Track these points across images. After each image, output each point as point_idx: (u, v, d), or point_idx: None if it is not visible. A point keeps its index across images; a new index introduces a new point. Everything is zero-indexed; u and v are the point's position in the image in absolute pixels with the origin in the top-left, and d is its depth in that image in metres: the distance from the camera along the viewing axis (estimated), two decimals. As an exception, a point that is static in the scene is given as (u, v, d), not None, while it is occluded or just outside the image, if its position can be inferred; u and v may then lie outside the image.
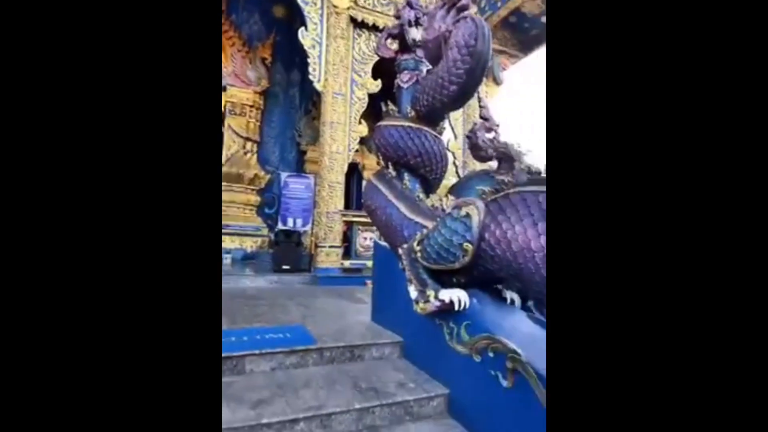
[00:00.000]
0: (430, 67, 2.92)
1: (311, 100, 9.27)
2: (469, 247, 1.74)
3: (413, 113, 2.72)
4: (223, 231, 7.79)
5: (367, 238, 5.46)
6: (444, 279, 2.03)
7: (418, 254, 2.07)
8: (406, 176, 2.70)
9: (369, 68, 5.64)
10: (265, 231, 8.25)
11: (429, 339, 2.11)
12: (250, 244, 7.96)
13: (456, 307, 1.81)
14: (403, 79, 2.89)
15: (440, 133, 2.81)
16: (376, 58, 5.70)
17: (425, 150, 2.66)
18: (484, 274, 1.83)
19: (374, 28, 5.63)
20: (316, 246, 5.14)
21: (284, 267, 4.83)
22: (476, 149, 3.25)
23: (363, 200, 2.92)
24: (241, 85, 8.21)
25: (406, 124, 2.69)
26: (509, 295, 2.04)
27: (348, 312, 3.29)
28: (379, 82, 5.66)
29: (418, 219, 2.31)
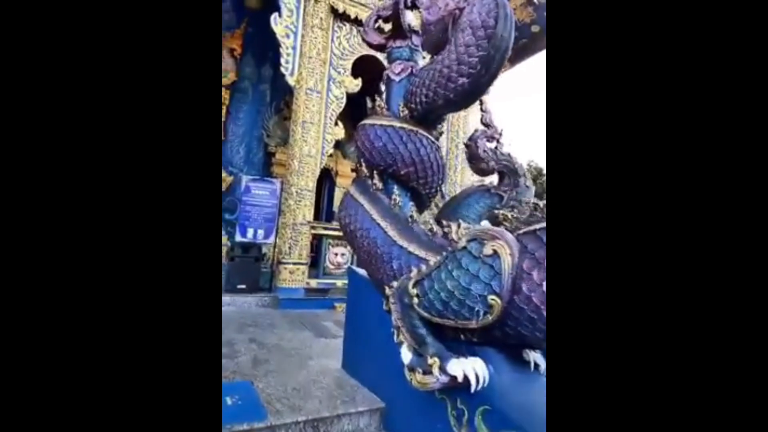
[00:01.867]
0: (427, 57, 2.40)
1: (283, 98, 8.57)
2: (497, 301, 1.20)
3: (406, 112, 2.17)
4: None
5: (338, 254, 4.84)
6: (446, 333, 1.47)
7: (415, 300, 1.50)
8: (396, 189, 2.14)
9: (349, 65, 5.09)
10: (225, 240, 7.43)
11: (424, 416, 1.54)
12: (204, 254, 7.10)
13: (473, 387, 1.25)
14: (395, 71, 2.35)
15: (438, 138, 2.28)
16: (358, 55, 5.17)
17: (420, 157, 2.11)
18: (510, 337, 1.28)
19: (356, 22, 5.09)
20: (279, 262, 4.46)
21: (239, 287, 4.11)
22: (476, 160, 2.76)
23: (338, 217, 2.33)
24: (204, 76, 7.41)
25: (398, 124, 2.14)
26: (532, 357, 1.51)
27: (313, 352, 2.66)
28: (359, 81, 5.11)
29: (413, 248, 1.75)
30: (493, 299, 1.21)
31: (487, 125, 2.76)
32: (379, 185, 2.13)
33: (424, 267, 1.56)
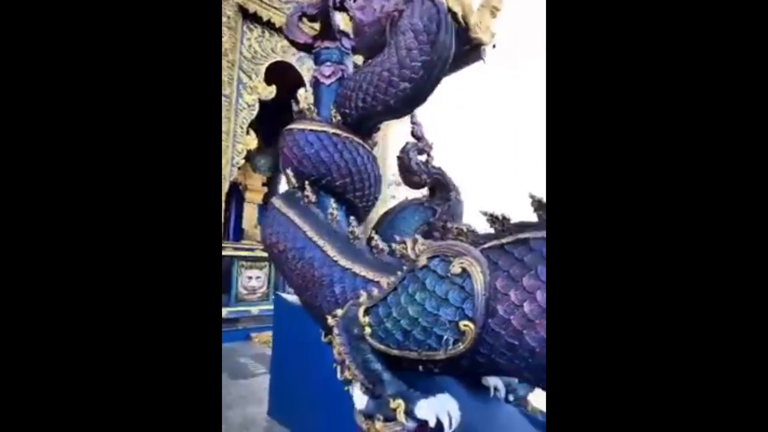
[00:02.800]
0: (356, 61, 2.26)
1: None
2: (470, 327, 1.05)
3: (339, 117, 1.98)
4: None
5: (252, 278, 4.34)
6: (401, 364, 1.29)
7: (367, 330, 1.28)
8: (332, 203, 1.91)
9: (262, 70, 4.71)
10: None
11: (381, 467, 1.30)
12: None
13: (446, 429, 1.07)
14: (324, 73, 2.14)
15: (373, 147, 2.13)
16: (272, 61, 4.82)
17: (357, 167, 1.93)
18: (480, 366, 1.15)
19: (269, 25, 4.77)
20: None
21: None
22: (408, 173, 2.67)
23: (263, 236, 1.99)
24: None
25: (332, 130, 1.93)
26: (492, 382, 1.41)
27: (231, 399, 2.22)
28: (273, 88, 4.76)
29: (358, 268, 1.54)
30: (465, 325, 1.06)
31: (418, 137, 2.71)
32: (312, 198, 1.88)
33: (375, 291, 1.36)
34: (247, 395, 2.22)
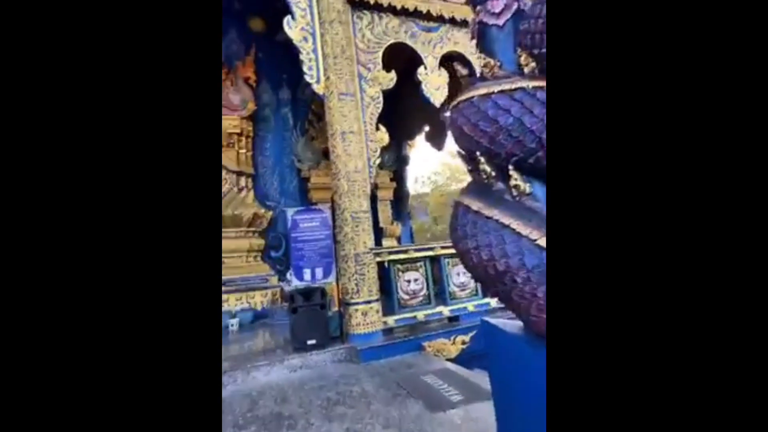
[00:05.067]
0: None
1: (306, 118, 8.02)
2: None
3: (532, 63, 1.34)
4: (224, 288, 6.40)
5: (411, 281, 4.04)
6: None
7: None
8: (529, 183, 1.29)
9: (378, 58, 4.34)
10: (275, 280, 6.88)
11: None
12: (259, 300, 6.55)
13: None
14: (494, 9, 1.52)
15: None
16: (385, 45, 4.42)
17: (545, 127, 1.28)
18: None
19: (377, 8, 4.36)
20: (346, 304, 3.71)
21: (309, 342, 3.39)
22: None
23: (455, 238, 1.51)
24: (225, 112, 6.98)
25: (531, 84, 1.30)
26: None
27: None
28: (393, 74, 4.35)
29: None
30: None
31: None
32: (524, 187, 1.30)
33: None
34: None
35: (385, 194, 8.35)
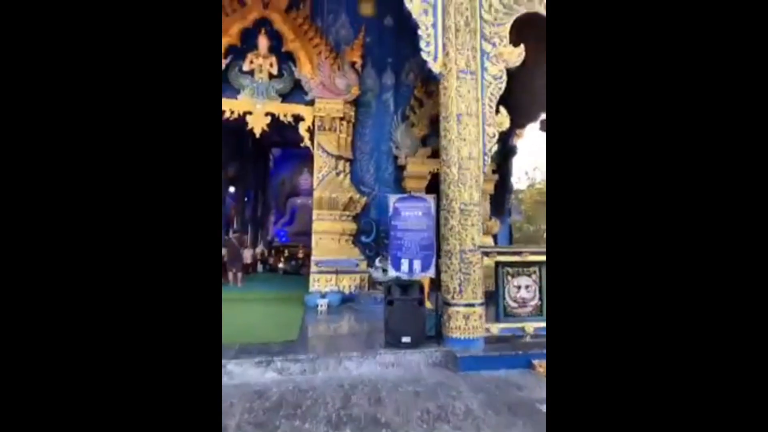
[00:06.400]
0: None
1: (408, 103, 7.78)
2: None
3: None
4: (317, 268, 6.56)
5: (521, 287, 3.52)
6: None
7: None
8: None
9: (505, 31, 3.81)
10: (364, 265, 6.86)
11: None
12: (347, 284, 6.58)
13: None
14: None
15: None
16: (515, 16, 3.86)
17: None
18: None
19: (509, -26, 3.81)
20: (446, 303, 3.36)
21: (404, 340, 3.14)
22: None
23: None
24: (329, 96, 7.08)
25: None
26: None
27: None
28: (521, 49, 3.79)
29: None
30: None
31: None
32: None
33: None
34: None
35: (487, 187, 7.72)
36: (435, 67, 3.66)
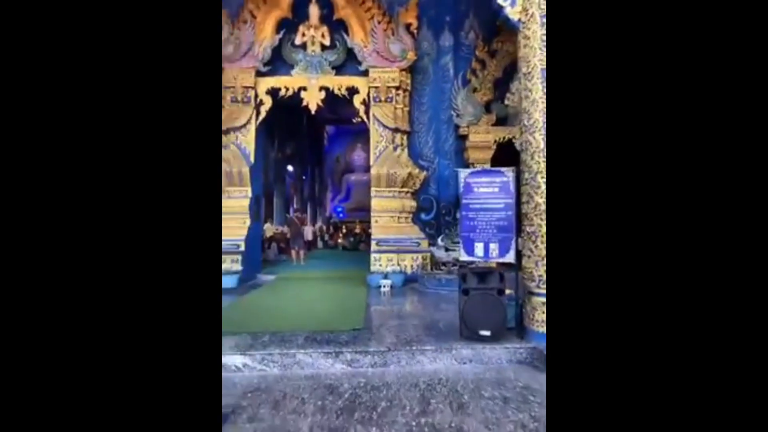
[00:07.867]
0: None
1: (469, 66, 7.07)
2: None
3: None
4: (378, 247, 6.38)
5: (622, 274, 2.96)
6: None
7: None
8: None
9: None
10: (426, 244, 6.54)
11: None
12: (409, 264, 6.33)
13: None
14: None
15: None
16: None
17: None
18: None
19: None
20: (529, 293, 2.94)
21: (482, 333, 2.81)
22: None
23: None
24: (384, 64, 6.61)
25: None
26: None
27: None
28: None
29: None
30: None
31: None
32: None
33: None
34: None
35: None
36: (512, 14, 3.07)
